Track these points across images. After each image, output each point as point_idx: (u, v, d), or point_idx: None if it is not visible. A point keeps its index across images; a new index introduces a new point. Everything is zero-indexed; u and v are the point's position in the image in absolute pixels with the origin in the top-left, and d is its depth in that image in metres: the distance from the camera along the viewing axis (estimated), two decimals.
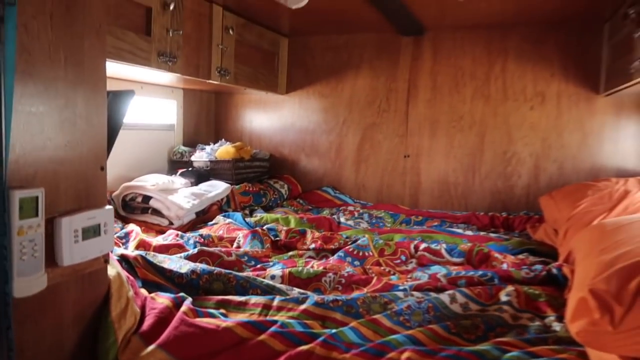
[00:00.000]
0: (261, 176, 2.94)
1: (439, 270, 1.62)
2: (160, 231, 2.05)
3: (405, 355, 0.99)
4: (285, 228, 2.04)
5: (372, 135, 2.89)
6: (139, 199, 2.15)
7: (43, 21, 0.88)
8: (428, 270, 1.65)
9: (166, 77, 2.29)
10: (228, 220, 2.21)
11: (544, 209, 2.09)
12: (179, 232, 1.95)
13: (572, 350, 1.01)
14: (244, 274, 1.45)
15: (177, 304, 1.18)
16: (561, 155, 2.54)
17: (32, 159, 0.88)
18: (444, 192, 2.76)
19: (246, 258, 1.70)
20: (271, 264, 1.69)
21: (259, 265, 1.66)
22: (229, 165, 2.65)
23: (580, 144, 2.51)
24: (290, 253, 1.84)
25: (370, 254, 1.79)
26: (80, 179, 1.00)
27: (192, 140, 3.01)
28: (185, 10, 2.05)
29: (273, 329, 1.08)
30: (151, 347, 1.03)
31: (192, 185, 2.46)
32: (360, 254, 1.78)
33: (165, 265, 1.42)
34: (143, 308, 1.15)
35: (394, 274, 1.62)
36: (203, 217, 2.30)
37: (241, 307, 1.24)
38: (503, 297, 1.32)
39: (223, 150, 2.71)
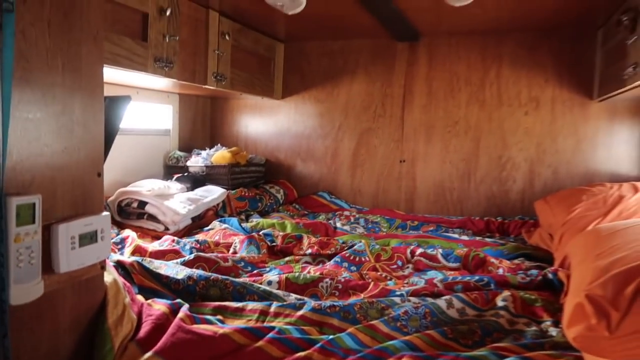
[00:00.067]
0: (257, 181, 2.94)
1: (436, 276, 1.62)
2: (156, 237, 2.05)
3: None
4: (281, 233, 2.04)
5: (367, 140, 2.90)
6: (135, 205, 2.14)
7: (41, 28, 0.88)
8: (424, 275, 1.66)
9: (162, 82, 2.29)
10: (224, 225, 2.21)
11: (539, 213, 2.10)
12: (175, 238, 1.94)
13: (569, 355, 1.01)
14: (241, 279, 1.45)
15: (174, 310, 1.17)
16: (555, 160, 2.56)
17: (29, 165, 0.88)
18: (440, 197, 2.77)
19: (243, 264, 1.70)
20: (268, 269, 1.69)
21: (255, 271, 1.66)
22: (225, 170, 2.65)
23: (574, 149, 2.53)
24: (287, 258, 1.84)
25: (367, 259, 1.79)
26: (77, 185, 1.00)
27: (188, 145, 3.01)
28: (182, 15, 2.05)
29: (270, 335, 1.08)
30: (148, 354, 1.02)
31: (187, 191, 2.46)
32: (357, 259, 1.78)
33: (162, 272, 1.42)
34: (140, 315, 1.14)
35: (390, 279, 1.62)
36: (199, 222, 2.30)
37: (238, 313, 1.24)
38: (499, 302, 1.32)
39: (219, 155, 2.71)
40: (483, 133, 2.67)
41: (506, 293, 1.36)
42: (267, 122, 3.16)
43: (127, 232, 1.92)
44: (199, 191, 2.45)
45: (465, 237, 2.14)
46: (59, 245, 0.92)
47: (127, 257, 1.58)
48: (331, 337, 1.09)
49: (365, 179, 2.92)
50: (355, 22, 2.44)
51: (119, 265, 1.37)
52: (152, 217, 2.12)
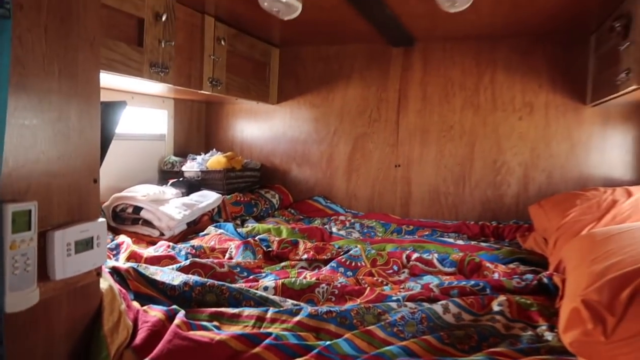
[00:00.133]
0: (252, 186, 2.94)
1: (431, 280, 1.63)
2: (151, 242, 2.04)
3: None
4: (277, 238, 2.04)
5: (363, 145, 2.91)
6: (130, 210, 2.13)
7: (37, 34, 0.88)
8: (420, 280, 1.66)
9: (157, 87, 2.29)
10: (220, 230, 2.20)
11: (534, 218, 2.11)
12: (171, 243, 1.93)
13: None
14: (237, 285, 1.44)
15: (170, 316, 1.17)
16: (549, 164, 2.58)
17: (26, 172, 0.87)
18: (435, 202, 2.78)
19: (238, 269, 1.69)
20: (264, 275, 1.69)
21: (251, 277, 1.66)
22: (220, 175, 2.65)
23: (568, 153, 2.55)
24: (283, 264, 1.83)
25: (363, 264, 1.79)
26: (73, 192, 0.99)
27: (183, 150, 3.00)
28: (178, 21, 2.05)
29: (267, 341, 1.08)
30: None
31: (183, 196, 2.45)
32: (353, 264, 1.78)
33: (158, 278, 1.41)
34: (135, 321, 1.14)
35: (386, 284, 1.62)
36: (194, 227, 2.29)
37: (235, 319, 1.24)
38: (495, 307, 1.33)
39: (214, 160, 2.70)
40: (478, 138, 2.68)
41: (502, 298, 1.37)
42: (262, 127, 3.16)
43: (122, 238, 1.91)
44: (194, 196, 2.44)
45: (460, 242, 2.15)
46: (55, 252, 0.92)
47: (122, 263, 1.57)
48: (328, 343, 1.09)
49: (361, 183, 2.93)
50: (350, 27, 2.45)
51: (115, 272, 1.36)
52: (147, 223, 2.12)
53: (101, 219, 1.05)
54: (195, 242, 2.06)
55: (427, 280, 1.65)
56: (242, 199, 2.61)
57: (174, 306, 1.24)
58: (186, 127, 3.07)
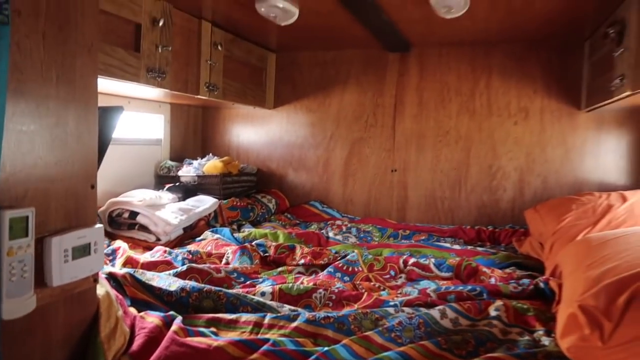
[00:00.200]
0: (249, 191, 2.93)
1: (429, 285, 1.63)
2: (148, 247, 2.03)
3: None
4: (274, 243, 2.03)
5: (359, 150, 2.92)
6: (126, 215, 2.13)
7: (36, 40, 0.88)
8: (417, 285, 1.66)
9: (154, 92, 2.29)
10: (216, 235, 2.20)
11: (529, 222, 2.12)
12: (167, 249, 1.93)
13: None
14: (234, 291, 1.44)
15: (167, 323, 1.16)
16: (545, 169, 2.59)
17: (23, 177, 0.87)
18: (431, 206, 2.79)
19: (235, 274, 1.69)
20: (261, 280, 1.68)
21: (248, 282, 1.65)
22: (217, 180, 2.64)
23: (563, 158, 2.56)
24: (280, 269, 1.83)
25: (360, 269, 1.79)
26: (71, 198, 0.99)
27: (180, 155, 2.99)
28: (175, 26, 2.05)
29: (265, 347, 1.07)
30: None
31: (179, 201, 2.44)
32: (350, 269, 1.78)
33: (154, 283, 1.41)
34: (132, 327, 1.13)
35: (383, 289, 1.62)
36: (191, 232, 2.29)
37: (232, 325, 1.23)
38: (492, 312, 1.33)
39: (210, 164, 2.70)
40: (473, 143, 2.69)
41: (499, 302, 1.37)
42: (259, 132, 3.16)
43: (118, 243, 1.90)
44: (191, 201, 2.44)
45: (456, 246, 2.15)
46: (52, 258, 0.91)
47: (118, 268, 1.57)
48: (326, 349, 1.09)
49: (357, 188, 2.93)
50: (347, 33, 2.46)
51: (111, 277, 1.36)
52: (144, 228, 2.11)
53: (98, 225, 1.05)
54: (191, 247, 2.06)
55: (424, 285, 1.65)
56: (238, 204, 2.61)
57: (171, 312, 1.23)
58: (182, 131, 3.07)
